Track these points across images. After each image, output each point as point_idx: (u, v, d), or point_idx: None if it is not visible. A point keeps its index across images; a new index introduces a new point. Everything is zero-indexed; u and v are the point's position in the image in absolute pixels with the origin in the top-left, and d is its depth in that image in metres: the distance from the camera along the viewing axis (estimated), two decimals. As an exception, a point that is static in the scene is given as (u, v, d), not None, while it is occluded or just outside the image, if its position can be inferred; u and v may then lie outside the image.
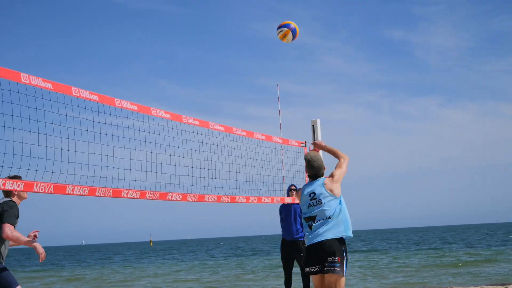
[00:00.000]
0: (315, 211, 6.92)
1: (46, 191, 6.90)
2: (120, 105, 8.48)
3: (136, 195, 8.47)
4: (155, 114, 9.18)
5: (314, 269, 6.83)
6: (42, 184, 6.85)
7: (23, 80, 6.86)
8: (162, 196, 8.98)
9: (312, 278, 6.89)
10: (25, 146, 6.79)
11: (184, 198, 9.42)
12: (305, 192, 7.00)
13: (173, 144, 9.44)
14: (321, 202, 6.97)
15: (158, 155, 9.05)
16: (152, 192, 8.76)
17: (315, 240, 6.83)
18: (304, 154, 12.21)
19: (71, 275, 34.89)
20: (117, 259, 58.59)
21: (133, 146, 8.60)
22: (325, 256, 6.80)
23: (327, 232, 6.86)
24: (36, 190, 6.76)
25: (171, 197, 9.17)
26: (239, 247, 78.23)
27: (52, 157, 7.21)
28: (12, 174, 7.03)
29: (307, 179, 12.62)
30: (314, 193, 7.05)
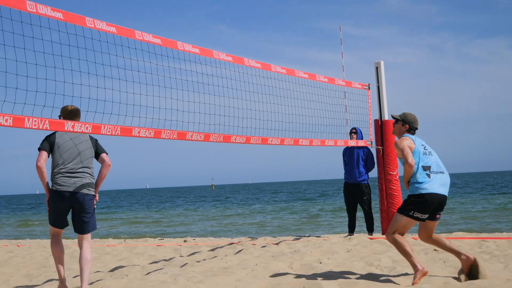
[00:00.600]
0: (430, 162, 6.88)
1: (113, 133, 7.03)
2: (182, 48, 8.51)
3: (200, 138, 8.55)
4: (217, 57, 9.19)
5: (424, 216, 6.78)
6: (109, 126, 6.97)
7: (88, 24, 6.95)
8: (226, 139, 9.04)
9: (412, 221, 6.84)
10: (92, 89, 6.90)
11: (247, 140, 9.47)
12: (417, 142, 6.93)
13: (236, 87, 9.45)
14: (432, 155, 6.97)
15: (221, 98, 9.09)
16: (216, 135, 8.83)
17: (435, 191, 6.76)
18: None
19: (133, 217, 35.69)
20: (180, 202, 59.64)
21: (197, 89, 8.65)
22: (441, 209, 6.86)
23: (445, 188, 6.87)
24: (103, 133, 6.88)
25: (235, 139, 9.22)
26: (302, 191, 78.59)
27: (118, 100, 7.31)
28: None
29: (371, 123, 12.58)
30: (425, 145, 7.03)
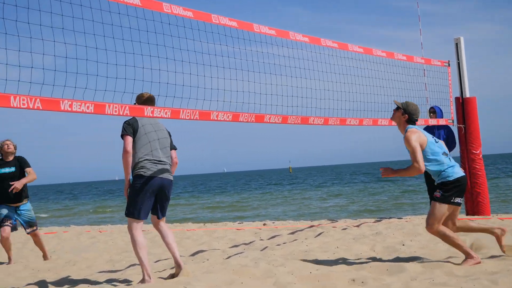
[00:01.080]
0: (444, 148, 6.81)
1: (192, 117, 7.05)
2: (258, 30, 8.46)
3: (278, 120, 8.50)
4: (294, 38, 9.11)
5: (462, 200, 6.78)
6: (187, 111, 6.99)
7: (165, 10, 6.98)
8: (304, 120, 8.97)
9: (451, 208, 6.72)
10: (170, 74, 6.93)
11: (326, 122, 9.37)
12: (426, 134, 6.80)
13: (313, 68, 9.36)
14: (438, 141, 6.85)
15: (298, 80, 9.02)
16: (294, 117, 8.76)
17: (463, 174, 6.75)
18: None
19: (211, 202, 36.05)
20: (257, 185, 59.93)
21: (273, 71, 8.59)
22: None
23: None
24: (182, 117, 6.90)
25: (313, 121, 9.13)
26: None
27: (196, 85, 7.32)
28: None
29: (452, 101, 12.29)
30: (432, 136, 6.92)
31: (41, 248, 9.68)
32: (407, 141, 6.65)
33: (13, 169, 9.30)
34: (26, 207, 9.44)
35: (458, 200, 6.66)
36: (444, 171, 6.65)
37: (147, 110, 6.49)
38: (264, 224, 13.36)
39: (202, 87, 7.38)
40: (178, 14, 7.17)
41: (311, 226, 11.36)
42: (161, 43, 6.91)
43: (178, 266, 6.68)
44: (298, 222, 14.14)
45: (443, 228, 6.60)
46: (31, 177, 9.31)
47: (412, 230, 9.45)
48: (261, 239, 10.12)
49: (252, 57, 8.29)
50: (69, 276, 7.69)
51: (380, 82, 10.74)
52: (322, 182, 56.55)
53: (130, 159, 6.46)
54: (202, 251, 9.24)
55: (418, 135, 6.66)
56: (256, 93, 8.21)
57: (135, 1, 6.55)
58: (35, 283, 7.19)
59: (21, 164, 9.35)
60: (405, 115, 6.86)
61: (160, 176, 6.52)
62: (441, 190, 6.65)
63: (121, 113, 6.21)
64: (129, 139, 6.47)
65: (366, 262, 6.86)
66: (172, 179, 6.71)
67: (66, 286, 6.88)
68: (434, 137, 6.90)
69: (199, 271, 6.97)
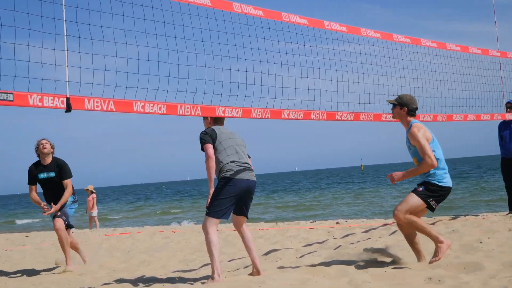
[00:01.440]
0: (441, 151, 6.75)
1: (263, 116, 7.05)
2: (329, 27, 8.41)
3: (350, 117, 8.44)
4: (365, 34, 9.01)
5: (436, 207, 6.69)
6: (259, 110, 7.00)
7: (235, 9, 7.00)
8: (376, 117, 8.87)
9: (423, 208, 6.64)
10: (241, 73, 6.94)
11: (398, 118, 9.23)
12: (429, 129, 6.67)
13: (385, 64, 9.24)
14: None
15: (370, 76, 8.92)
16: (365, 114, 8.68)
17: (451, 185, 6.79)
18: None
19: (282, 200, 36.07)
20: (327, 184, 59.69)
21: (345, 68, 8.52)
22: None
23: None
24: (253, 116, 6.91)
25: (385, 117, 9.02)
26: (455, 168, 76.42)
27: (267, 83, 7.31)
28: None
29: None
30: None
31: (68, 249, 8.81)
32: (413, 137, 6.52)
33: (52, 174, 8.72)
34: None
35: (434, 204, 6.58)
36: (435, 172, 6.55)
37: (219, 110, 6.52)
38: (337, 223, 13.26)
39: (273, 85, 7.38)
40: (248, 13, 7.18)
41: (385, 224, 11.21)
42: (232, 42, 6.94)
43: (257, 272, 6.69)
44: (372, 220, 13.96)
45: (412, 217, 6.49)
46: (67, 195, 8.71)
47: (489, 228, 9.20)
48: (334, 238, 10.04)
49: (323, 54, 8.25)
50: (143, 275, 7.80)
51: (454, 77, 10.52)
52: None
53: (214, 164, 6.46)
54: (275, 250, 9.22)
55: (423, 130, 6.56)
56: (327, 90, 8.16)
57: (205, 2, 6.59)
58: (111, 283, 7.31)
59: (60, 172, 8.72)
60: (404, 108, 6.75)
61: (247, 178, 6.55)
62: (425, 187, 6.54)
63: (192, 113, 6.27)
64: (210, 145, 6.48)
65: (443, 260, 6.71)
66: (256, 180, 6.75)
67: (141, 285, 6.97)
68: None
69: (272, 270, 6.96)
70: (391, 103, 6.88)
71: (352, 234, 10.26)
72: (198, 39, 6.57)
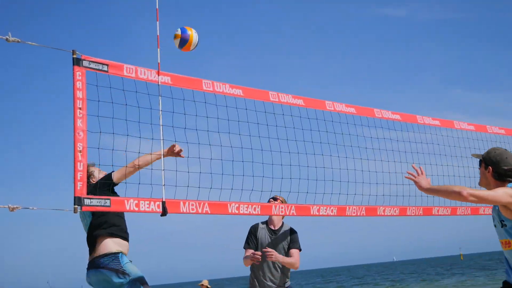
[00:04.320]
0: None
1: (358, 214, 7.00)
2: (422, 122, 8.38)
3: (447, 212, 8.30)
4: (458, 127, 8.92)
5: None
6: (354, 207, 6.96)
7: (328, 108, 7.10)
8: (474, 211, 8.66)
9: None
10: (335, 171, 6.98)
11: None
12: None
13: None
14: None
15: (464, 169, 8.79)
16: (463, 208, 8.50)
17: None
18: None
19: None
20: (428, 273, 57.99)
21: (439, 162, 8.44)
22: None
23: None
24: (348, 214, 6.88)
25: (484, 211, 8.80)
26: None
27: (361, 180, 7.31)
28: None
29: None
30: None
31: None
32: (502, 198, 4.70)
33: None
34: None
35: None
36: None
37: (313, 208, 6.52)
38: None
39: (368, 182, 7.37)
40: (341, 111, 7.25)
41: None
42: (325, 140, 7.01)
43: None
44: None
45: None
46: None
47: None
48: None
49: (416, 147, 8.21)
50: None
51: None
52: (495, 268, 53.76)
53: None
54: None
55: None
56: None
57: (299, 102, 6.74)
58: None
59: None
60: (488, 167, 4.98)
61: None
62: None
63: (287, 213, 6.30)
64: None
65: None
66: None
67: None
68: None
69: None
70: (476, 158, 5.26)
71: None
72: (291, 138, 6.67)
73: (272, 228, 7.21)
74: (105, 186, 5.87)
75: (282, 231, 7.20)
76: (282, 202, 6.91)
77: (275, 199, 6.87)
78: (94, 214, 6.05)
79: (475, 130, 9.14)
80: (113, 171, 5.88)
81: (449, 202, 8.36)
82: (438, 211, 8.16)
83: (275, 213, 6.16)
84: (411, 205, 7.79)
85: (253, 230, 7.20)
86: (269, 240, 7.11)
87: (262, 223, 7.28)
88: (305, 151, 6.77)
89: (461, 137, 8.91)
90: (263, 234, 7.12)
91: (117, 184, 5.93)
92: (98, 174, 6.19)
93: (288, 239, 7.18)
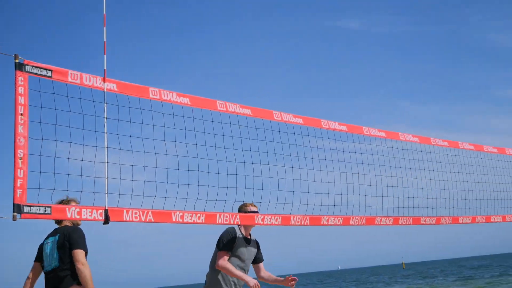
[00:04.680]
0: None
1: (303, 223, 7.02)
2: (368, 133, 8.46)
3: (389, 221, 8.37)
4: (403, 138, 9.03)
5: None
6: (298, 217, 6.98)
7: (275, 118, 7.11)
8: (416, 221, 8.79)
9: None
10: (280, 181, 6.99)
11: (437, 221, 9.15)
12: None
13: (422, 167, 9.23)
14: None
15: (408, 180, 8.91)
16: (405, 218, 8.61)
17: None
18: None
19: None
20: (371, 281, 58.56)
21: (383, 173, 8.54)
22: None
23: None
24: (292, 223, 6.89)
25: (425, 221, 8.95)
26: (491, 264, 74.52)
27: (307, 190, 7.35)
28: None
29: None
30: None
31: None
32: None
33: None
34: None
35: None
36: None
37: (258, 217, 6.52)
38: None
39: (313, 192, 7.42)
40: (288, 121, 7.27)
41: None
42: (271, 150, 7.03)
43: None
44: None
45: None
46: None
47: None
48: None
49: (362, 158, 8.29)
50: None
51: (491, 178, 10.44)
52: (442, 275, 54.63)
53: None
54: None
55: None
56: (366, 195, 8.16)
57: (247, 112, 6.74)
58: None
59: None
60: None
61: None
62: None
63: (231, 222, 6.27)
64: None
65: None
66: None
67: None
68: None
69: None
70: None
71: None
72: (238, 148, 6.67)
73: (247, 237, 7.00)
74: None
75: (251, 240, 7.05)
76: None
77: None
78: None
79: (419, 142, 9.28)
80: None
81: (392, 211, 8.48)
82: (380, 220, 8.24)
83: (219, 222, 6.13)
84: (355, 215, 7.87)
85: (233, 235, 6.82)
86: (244, 249, 6.89)
87: (238, 228, 6.97)
88: (251, 161, 6.78)
89: (406, 149, 9.04)
90: (240, 242, 6.84)
91: None
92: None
93: (256, 250, 7.11)
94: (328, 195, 7.62)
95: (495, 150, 10.59)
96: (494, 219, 10.15)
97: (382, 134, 8.70)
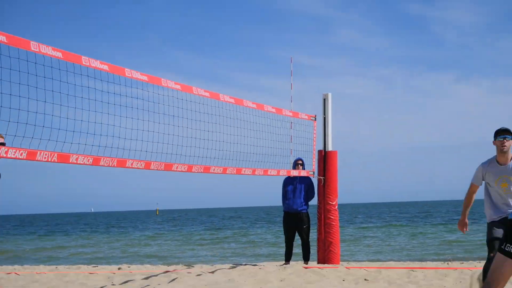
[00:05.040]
0: None
1: (50, 160, 6.91)
2: (130, 75, 8.45)
3: (141, 165, 8.50)
4: (165, 85, 9.12)
5: None
6: (45, 153, 6.86)
7: (32, 49, 6.83)
8: (167, 167, 9.02)
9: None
10: (31, 114, 6.81)
11: (189, 169, 9.45)
12: None
13: (182, 115, 9.41)
14: None
15: (166, 126, 9.06)
16: (157, 163, 8.79)
17: None
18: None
19: (73, 241, 35.10)
20: (121, 226, 58.92)
21: (141, 116, 8.61)
22: None
23: None
24: (39, 159, 6.76)
25: (177, 168, 9.19)
26: (241, 216, 78.72)
27: (58, 126, 7.22)
28: None
29: (315, 153, 12.67)
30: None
31: None
32: None
33: None
34: None
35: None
36: None
37: (1, 150, 6.31)
38: (119, 268, 13.00)
39: (64, 129, 7.30)
40: (46, 53, 7.02)
41: (166, 272, 11.29)
42: (24, 82, 6.78)
43: None
44: (155, 266, 14.03)
45: None
46: None
47: (264, 278, 9.71)
48: (113, 284, 9.97)
49: (121, 100, 8.30)
50: None
51: (249, 133, 10.93)
52: (181, 224, 56.31)
53: None
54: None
55: None
56: (120, 137, 8.20)
57: (1, 38, 6.43)
58: None
59: None
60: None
61: None
62: None
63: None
64: None
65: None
66: None
67: None
68: None
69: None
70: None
71: (131, 280, 10.23)
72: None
73: None
74: None
75: None
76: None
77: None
78: None
79: (181, 90, 9.44)
80: None
81: (144, 156, 8.61)
82: (132, 164, 8.35)
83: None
84: (106, 156, 7.91)
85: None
86: None
87: None
88: (1, 91, 6.48)
89: (167, 96, 9.16)
90: None
91: None
92: None
93: None
94: (81, 133, 7.57)
95: (254, 106, 11.06)
96: (245, 171, 10.70)
97: (145, 78, 8.72)
